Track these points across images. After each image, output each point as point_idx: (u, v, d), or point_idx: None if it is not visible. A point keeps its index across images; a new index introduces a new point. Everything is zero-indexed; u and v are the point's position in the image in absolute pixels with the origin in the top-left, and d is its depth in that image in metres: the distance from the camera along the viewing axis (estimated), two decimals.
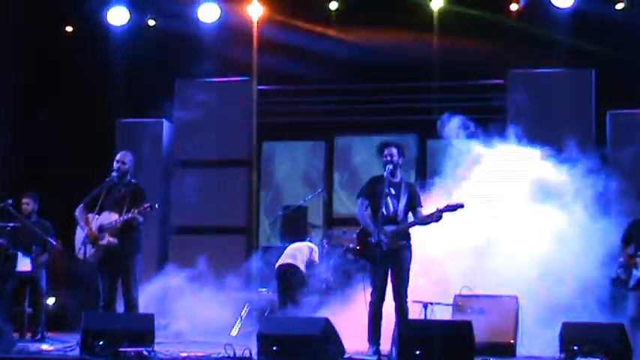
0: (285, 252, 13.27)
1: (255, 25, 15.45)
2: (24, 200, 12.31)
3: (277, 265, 13.24)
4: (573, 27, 14.28)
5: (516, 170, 12.94)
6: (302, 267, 13.07)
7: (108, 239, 10.09)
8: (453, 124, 12.68)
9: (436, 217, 9.98)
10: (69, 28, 16.02)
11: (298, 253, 13.17)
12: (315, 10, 15.40)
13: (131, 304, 10.14)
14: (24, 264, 11.96)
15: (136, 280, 10.23)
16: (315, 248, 13.32)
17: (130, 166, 10.47)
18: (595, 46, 13.91)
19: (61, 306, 13.44)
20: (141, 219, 10.13)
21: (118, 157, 10.48)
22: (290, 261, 13.13)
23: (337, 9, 15.36)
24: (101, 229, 10.14)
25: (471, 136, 12.72)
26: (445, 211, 9.94)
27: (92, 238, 10.08)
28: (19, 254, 11.95)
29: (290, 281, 13.03)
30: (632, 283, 10.72)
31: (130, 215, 10.02)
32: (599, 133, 14.45)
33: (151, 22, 15.83)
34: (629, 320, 10.40)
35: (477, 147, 12.67)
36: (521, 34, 14.38)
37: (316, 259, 13.24)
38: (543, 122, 14.34)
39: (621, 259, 10.92)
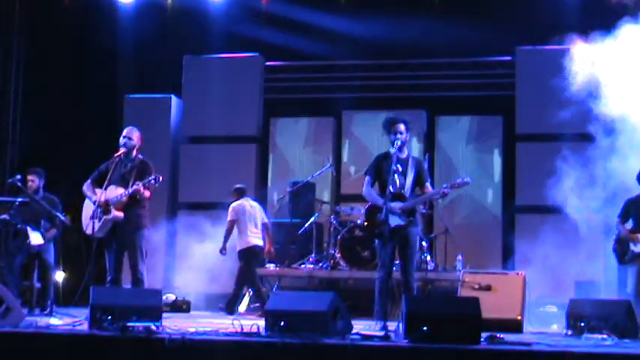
0: (249, 227, 13.32)
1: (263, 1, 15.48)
2: (29, 177, 12.30)
3: (248, 245, 13.28)
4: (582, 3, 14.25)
5: None
6: None
7: (114, 213, 10.14)
8: None
9: (442, 193, 10.04)
10: (76, 2, 15.96)
11: (260, 223, 13.43)
12: None
13: (137, 278, 10.19)
14: (35, 238, 11.99)
15: (142, 255, 10.28)
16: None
17: (137, 142, 10.49)
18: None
19: (70, 281, 13.50)
20: (147, 193, 10.17)
21: (124, 132, 10.51)
22: (260, 243, 13.39)
23: None
24: (107, 203, 10.18)
25: None
26: (452, 188, 9.98)
27: (101, 210, 10.15)
28: (29, 229, 11.98)
29: (254, 263, 13.31)
30: (628, 257, 10.79)
31: (134, 188, 10.06)
32: None
33: None
34: (628, 296, 10.44)
35: None
36: (529, 10, 14.32)
37: (266, 219, 13.57)
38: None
39: (617, 234, 10.98)
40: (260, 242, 13.40)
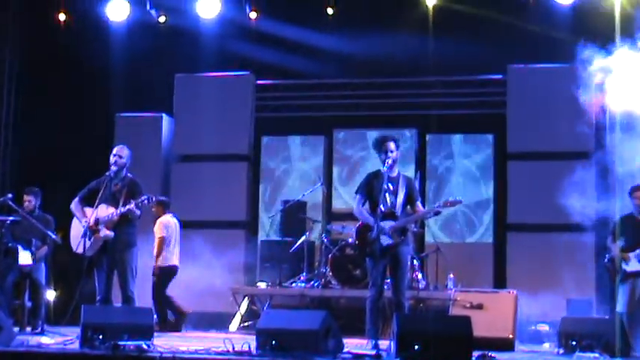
0: (173, 245, 13.27)
1: (253, 20, 15.51)
2: (25, 197, 12.31)
3: (170, 263, 13.22)
4: (573, 22, 14.26)
5: None
6: None
7: (104, 232, 10.12)
8: None
9: (434, 212, 10.05)
10: (69, 20, 15.96)
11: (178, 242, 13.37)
12: (313, 10, 15.41)
13: (128, 297, 10.16)
14: (24, 257, 11.97)
15: (132, 273, 10.26)
16: None
17: (127, 160, 10.47)
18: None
19: (62, 299, 13.46)
20: (138, 212, 10.16)
21: (114, 151, 10.50)
22: (178, 263, 13.34)
23: (334, 12, 15.37)
24: (98, 222, 10.16)
25: None
26: (444, 207, 9.97)
27: (91, 231, 10.12)
28: (20, 248, 11.95)
29: (169, 282, 13.26)
30: (619, 276, 10.78)
31: (127, 208, 10.05)
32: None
33: (162, 19, 15.78)
34: (619, 315, 10.43)
35: None
36: (520, 29, 14.34)
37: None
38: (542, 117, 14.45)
39: (610, 253, 10.97)
40: (178, 263, 13.35)
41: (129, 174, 10.50)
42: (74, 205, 10.44)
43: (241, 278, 14.90)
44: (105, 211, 10.18)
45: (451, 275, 13.38)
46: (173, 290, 13.95)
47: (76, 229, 10.35)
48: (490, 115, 15.32)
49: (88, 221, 10.16)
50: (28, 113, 15.78)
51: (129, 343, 8.31)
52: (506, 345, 10.55)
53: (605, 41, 12.16)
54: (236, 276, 14.74)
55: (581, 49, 12.44)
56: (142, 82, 15.55)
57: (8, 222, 11.82)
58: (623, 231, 10.99)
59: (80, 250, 10.13)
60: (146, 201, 10.08)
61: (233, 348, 8.26)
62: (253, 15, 15.45)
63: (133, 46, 15.58)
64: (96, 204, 10.21)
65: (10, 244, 11.87)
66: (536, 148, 14.62)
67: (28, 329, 12.00)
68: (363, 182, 10.09)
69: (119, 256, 10.19)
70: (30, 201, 12.30)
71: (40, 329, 11.65)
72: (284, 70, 15.57)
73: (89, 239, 10.12)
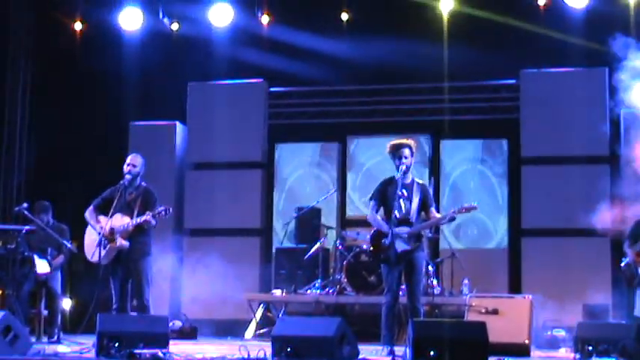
0: None
1: (266, 27, 15.52)
2: (37, 215, 12.30)
3: None
4: (586, 26, 14.22)
5: None
6: None
7: (120, 242, 10.13)
8: None
9: (449, 218, 10.02)
10: (82, 29, 16.00)
11: None
12: (326, 17, 15.41)
13: (144, 305, 10.18)
14: (42, 266, 12.00)
15: (148, 282, 10.27)
16: None
17: (141, 169, 10.49)
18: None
19: (77, 308, 13.49)
20: (154, 222, 10.17)
21: (128, 160, 10.52)
22: None
23: (348, 19, 15.36)
24: (113, 231, 10.18)
25: None
26: (459, 213, 9.96)
27: (106, 240, 10.14)
28: (35, 257, 11.97)
29: None
30: (636, 281, 10.74)
31: (143, 218, 10.07)
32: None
33: (175, 27, 15.81)
34: (636, 320, 10.39)
35: None
36: (533, 33, 14.30)
37: None
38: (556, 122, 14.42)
39: (627, 257, 10.92)
40: None
41: (143, 183, 10.52)
42: (88, 214, 10.47)
43: (256, 286, 14.89)
44: (120, 220, 10.20)
45: (466, 281, 13.36)
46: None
47: (90, 237, 10.37)
48: (504, 120, 15.28)
49: (103, 230, 10.19)
50: (42, 122, 15.82)
51: (145, 351, 8.33)
52: (522, 350, 10.52)
53: (619, 44, 12.13)
54: (251, 283, 14.74)
55: (595, 52, 12.43)
56: (155, 90, 15.57)
57: (24, 231, 11.85)
58: (639, 235, 10.95)
59: (95, 259, 10.16)
60: (163, 212, 10.10)
61: (249, 355, 8.27)
62: (265, 20, 15.45)
63: (146, 54, 15.60)
64: (110, 213, 10.23)
65: (26, 254, 11.91)
66: (550, 152, 14.57)
67: (45, 338, 12.02)
68: (377, 188, 10.09)
69: (134, 265, 10.21)
70: (42, 219, 12.31)
71: (56, 338, 11.67)
72: (297, 77, 15.56)
73: (104, 248, 10.14)
